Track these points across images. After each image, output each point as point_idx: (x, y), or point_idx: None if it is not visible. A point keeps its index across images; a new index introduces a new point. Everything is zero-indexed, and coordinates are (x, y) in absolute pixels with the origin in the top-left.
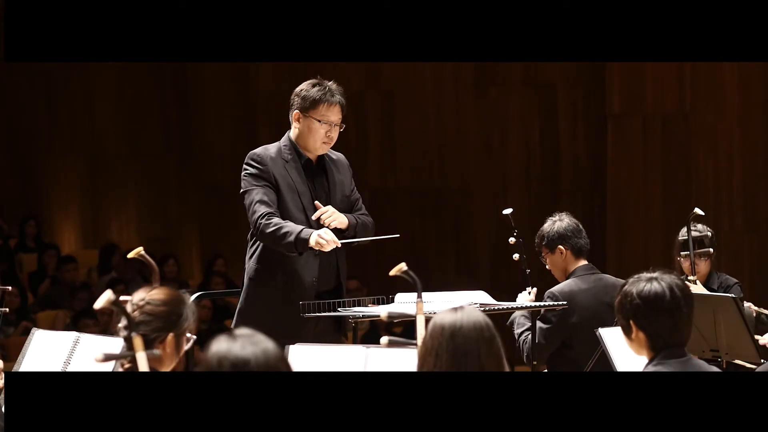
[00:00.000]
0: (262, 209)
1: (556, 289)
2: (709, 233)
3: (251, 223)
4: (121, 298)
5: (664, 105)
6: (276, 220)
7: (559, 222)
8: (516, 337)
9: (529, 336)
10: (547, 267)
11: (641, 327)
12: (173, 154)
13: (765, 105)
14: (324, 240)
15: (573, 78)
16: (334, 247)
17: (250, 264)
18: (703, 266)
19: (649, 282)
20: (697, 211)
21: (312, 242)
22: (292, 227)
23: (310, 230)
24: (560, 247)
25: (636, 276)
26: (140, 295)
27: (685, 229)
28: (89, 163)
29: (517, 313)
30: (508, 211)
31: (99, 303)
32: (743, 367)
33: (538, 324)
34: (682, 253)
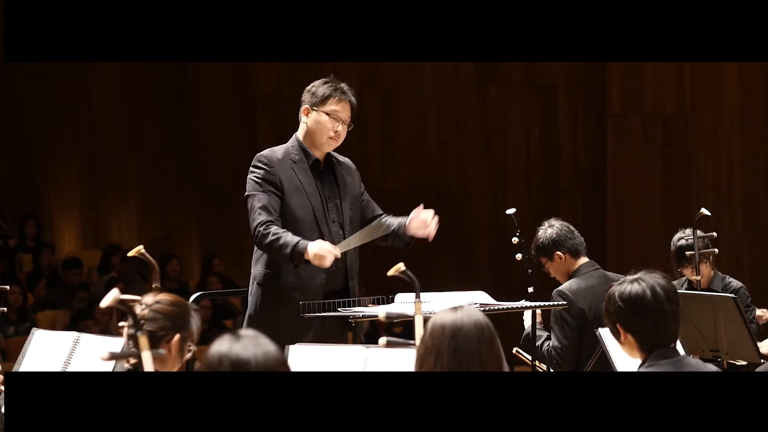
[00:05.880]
0: (261, 217)
1: (564, 287)
2: (704, 236)
3: (251, 229)
4: (126, 297)
5: (664, 105)
6: (274, 229)
7: (549, 228)
8: (539, 350)
9: (550, 343)
10: (550, 275)
11: (627, 329)
12: (173, 154)
13: (765, 105)
14: (321, 255)
15: (573, 78)
16: (334, 258)
17: (257, 268)
18: (703, 269)
19: (631, 284)
20: (704, 211)
21: (313, 261)
22: (288, 239)
23: (306, 243)
24: (557, 252)
25: (621, 279)
26: (150, 297)
27: (676, 238)
28: (89, 163)
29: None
30: (511, 211)
31: (105, 301)
32: (743, 367)
33: (555, 327)
34: (687, 256)
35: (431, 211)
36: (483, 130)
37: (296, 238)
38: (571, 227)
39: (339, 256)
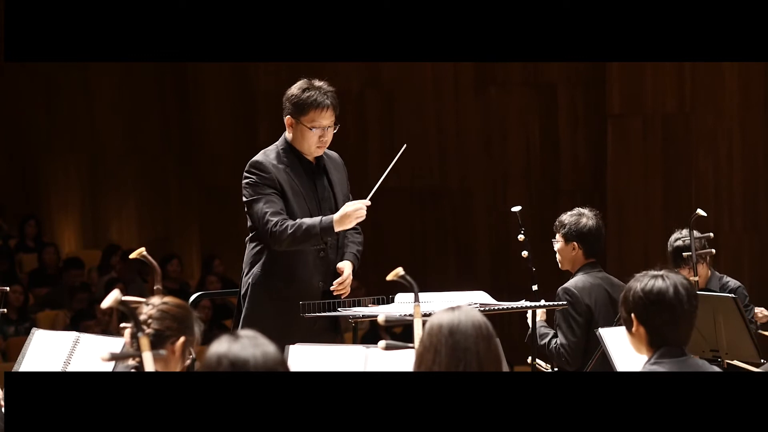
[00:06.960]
0: (273, 218)
1: (569, 284)
2: (701, 236)
3: (263, 233)
4: (127, 298)
5: (664, 105)
6: (290, 222)
7: (585, 220)
8: (546, 348)
9: (557, 341)
10: (555, 248)
11: (641, 321)
12: (173, 154)
13: (765, 105)
14: (355, 211)
15: (573, 78)
16: (365, 207)
17: (254, 270)
18: (701, 269)
19: (654, 278)
20: (700, 212)
21: (347, 220)
22: (310, 222)
23: (329, 217)
24: (575, 243)
25: (643, 272)
26: (157, 298)
27: (672, 238)
28: (89, 162)
29: (538, 325)
30: (516, 208)
31: (106, 302)
32: (743, 367)
33: (563, 325)
34: (684, 257)
35: (347, 274)
36: (483, 130)
37: (317, 218)
38: (603, 230)
39: (369, 203)
